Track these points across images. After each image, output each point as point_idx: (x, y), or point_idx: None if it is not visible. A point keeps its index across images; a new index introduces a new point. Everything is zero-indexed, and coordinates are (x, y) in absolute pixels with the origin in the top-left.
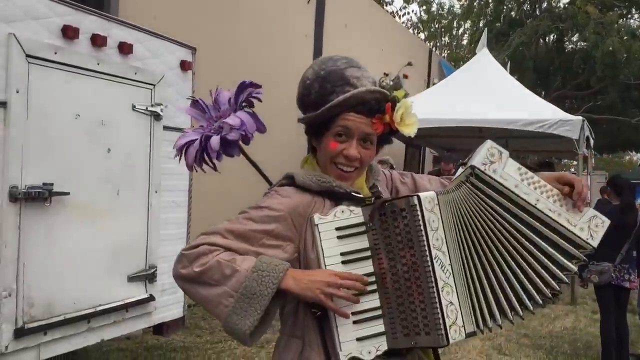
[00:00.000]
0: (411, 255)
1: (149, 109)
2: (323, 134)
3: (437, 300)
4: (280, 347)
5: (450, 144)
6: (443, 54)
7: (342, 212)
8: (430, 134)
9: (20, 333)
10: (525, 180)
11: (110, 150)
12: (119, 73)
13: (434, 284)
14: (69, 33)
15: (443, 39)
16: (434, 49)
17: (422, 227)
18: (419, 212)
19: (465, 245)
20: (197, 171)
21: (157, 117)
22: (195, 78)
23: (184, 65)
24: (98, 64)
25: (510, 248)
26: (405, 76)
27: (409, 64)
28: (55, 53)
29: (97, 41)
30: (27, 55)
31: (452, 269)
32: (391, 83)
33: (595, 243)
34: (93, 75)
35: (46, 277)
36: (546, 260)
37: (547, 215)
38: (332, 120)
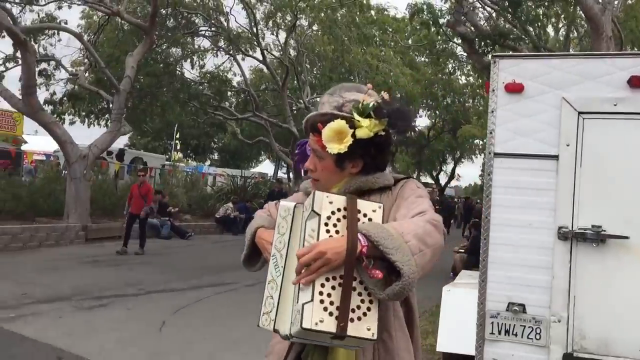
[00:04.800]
0: None
1: None
2: None
3: (265, 289)
4: None
5: None
6: None
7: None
8: None
9: (568, 358)
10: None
11: None
12: None
13: (267, 277)
14: (636, 82)
15: None
16: None
17: (275, 228)
18: (277, 216)
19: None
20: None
21: None
22: None
23: None
24: None
25: None
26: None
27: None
28: (615, 105)
29: None
30: (580, 112)
31: (283, 270)
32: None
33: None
34: None
35: (599, 314)
36: None
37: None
38: None
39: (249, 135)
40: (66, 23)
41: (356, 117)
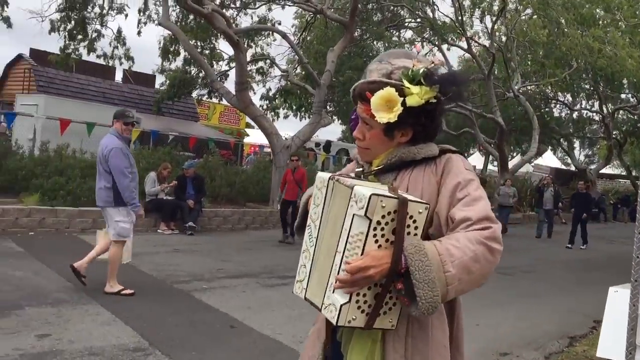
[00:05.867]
0: None
1: None
2: None
3: (300, 258)
4: None
5: None
6: None
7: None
8: None
9: None
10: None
11: None
12: None
13: (302, 246)
14: None
15: None
16: None
17: (312, 199)
18: (314, 187)
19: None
20: None
21: None
22: None
23: None
24: None
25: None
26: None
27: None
28: None
29: None
30: None
31: (316, 241)
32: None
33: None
34: None
35: None
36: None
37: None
38: None
39: (455, 127)
40: (279, 24)
41: (406, 84)
